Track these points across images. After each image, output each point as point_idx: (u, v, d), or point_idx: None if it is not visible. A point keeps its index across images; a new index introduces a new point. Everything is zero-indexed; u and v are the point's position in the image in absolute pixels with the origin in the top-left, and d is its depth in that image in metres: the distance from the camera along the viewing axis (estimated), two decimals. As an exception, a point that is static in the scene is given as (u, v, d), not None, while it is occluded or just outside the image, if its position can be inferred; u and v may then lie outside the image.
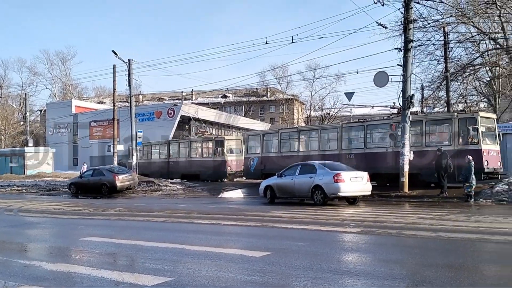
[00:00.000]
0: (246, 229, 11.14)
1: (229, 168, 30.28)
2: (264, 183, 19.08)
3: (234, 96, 79.27)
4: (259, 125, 60.12)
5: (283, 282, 5.82)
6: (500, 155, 19.91)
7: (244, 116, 69.88)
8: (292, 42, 24.12)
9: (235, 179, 30.68)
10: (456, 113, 20.22)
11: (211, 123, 57.05)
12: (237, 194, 24.59)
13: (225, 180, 30.59)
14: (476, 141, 18.78)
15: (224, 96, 78.64)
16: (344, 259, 7.50)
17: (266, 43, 25.35)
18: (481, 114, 20.07)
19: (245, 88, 71.37)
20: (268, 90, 77.16)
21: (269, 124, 66.92)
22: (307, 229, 10.67)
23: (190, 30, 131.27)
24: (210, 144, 31.99)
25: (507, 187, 16.99)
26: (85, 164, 40.05)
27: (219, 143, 31.14)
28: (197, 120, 47.51)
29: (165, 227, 12.08)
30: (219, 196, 23.92)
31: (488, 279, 5.70)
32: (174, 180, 30.32)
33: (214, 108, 65.88)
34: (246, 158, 28.43)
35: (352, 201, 17.08)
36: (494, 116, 21.12)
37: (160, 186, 28.20)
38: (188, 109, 50.71)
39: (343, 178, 16.12)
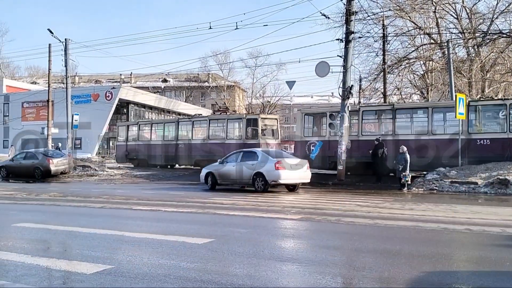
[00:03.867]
0: (188, 216, 11.01)
1: None
2: (205, 169, 18.96)
3: (175, 80, 78.08)
4: (200, 111, 59.46)
5: (226, 269, 5.79)
6: None
7: (185, 102, 69.02)
8: (237, 28, 24.02)
9: None
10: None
11: (151, 108, 56.05)
12: (177, 180, 24.23)
13: None
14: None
15: (165, 81, 77.23)
16: (286, 245, 7.59)
17: (210, 28, 25.05)
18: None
19: (186, 73, 70.46)
20: (210, 76, 76.52)
21: (210, 111, 66.50)
22: (249, 216, 10.73)
23: (130, 11, 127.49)
24: (236, 124, 27.50)
25: (438, 176, 17.81)
26: (12, 146, 38.12)
27: (252, 122, 26.65)
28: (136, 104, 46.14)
29: (103, 213, 11.74)
30: (159, 182, 23.54)
31: (424, 265, 5.93)
32: (112, 165, 29.38)
33: (154, 93, 64.52)
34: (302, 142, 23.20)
35: (292, 188, 17.36)
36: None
37: (96, 171, 27.34)
38: (126, 93, 49.52)
39: (283, 166, 16.34)
